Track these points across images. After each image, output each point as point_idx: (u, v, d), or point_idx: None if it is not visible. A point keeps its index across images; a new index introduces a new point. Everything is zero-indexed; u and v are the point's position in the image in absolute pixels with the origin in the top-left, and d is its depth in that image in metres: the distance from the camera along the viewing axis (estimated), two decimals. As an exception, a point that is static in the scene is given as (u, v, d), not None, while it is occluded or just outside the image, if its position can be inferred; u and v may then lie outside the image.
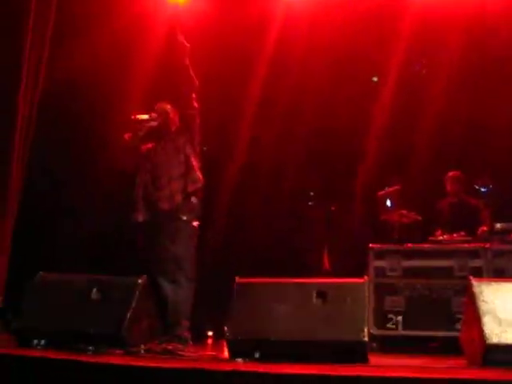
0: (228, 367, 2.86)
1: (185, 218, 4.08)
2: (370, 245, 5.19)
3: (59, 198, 6.39)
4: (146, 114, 4.24)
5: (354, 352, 3.24)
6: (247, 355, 3.22)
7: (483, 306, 3.26)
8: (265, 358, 3.16)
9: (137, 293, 3.78)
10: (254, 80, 6.58)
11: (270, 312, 3.34)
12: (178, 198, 4.09)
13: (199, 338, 3.85)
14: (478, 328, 3.25)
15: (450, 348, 4.13)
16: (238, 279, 3.62)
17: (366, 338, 3.25)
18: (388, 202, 5.63)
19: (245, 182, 6.73)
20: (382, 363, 3.55)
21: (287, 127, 6.91)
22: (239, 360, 3.20)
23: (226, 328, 3.46)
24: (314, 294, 3.32)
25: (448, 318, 4.90)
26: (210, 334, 5.71)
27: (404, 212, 5.50)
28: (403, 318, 5.06)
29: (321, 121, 6.86)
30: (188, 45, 4.30)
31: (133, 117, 4.23)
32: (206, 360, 3.47)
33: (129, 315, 3.64)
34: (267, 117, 6.79)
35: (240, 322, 3.41)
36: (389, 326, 5.07)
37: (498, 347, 3.17)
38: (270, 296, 3.41)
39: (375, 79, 7.60)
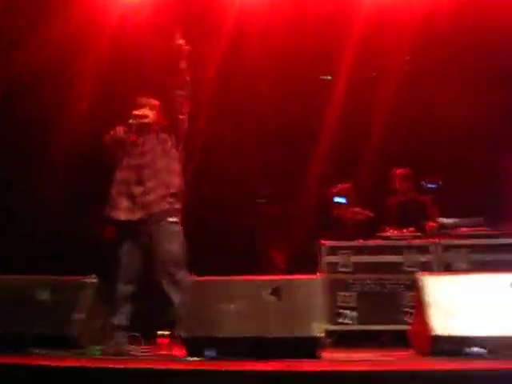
0: (183, 366, 2.86)
1: (175, 219, 4.10)
2: (322, 241, 5.27)
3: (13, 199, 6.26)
4: (141, 108, 4.22)
5: (308, 348, 3.29)
6: (202, 353, 3.23)
7: (429, 299, 3.37)
8: (220, 356, 3.18)
9: (87, 293, 3.74)
10: (205, 80, 6.57)
11: (224, 310, 3.36)
12: (168, 201, 4.10)
13: (154, 338, 3.82)
14: (425, 320, 3.36)
15: (401, 341, 4.25)
16: (193, 278, 3.63)
17: (320, 334, 3.30)
18: (339, 199, 5.73)
19: (199, 183, 6.73)
20: (335, 358, 3.61)
21: (240, 126, 6.94)
22: (194, 358, 3.20)
23: (180, 327, 3.47)
24: (268, 291, 3.35)
25: (398, 312, 5.03)
26: (165, 333, 5.67)
27: (357, 209, 5.60)
28: (355, 314, 5.15)
29: (273, 119, 6.93)
30: (187, 48, 4.23)
31: (133, 111, 4.21)
32: (162, 359, 3.46)
33: (79, 316, 3.59)
34: (219, 117, 6.80)
35: (195, 321, 3.42)
36: (342, 321, 5.15)
37: (444, 338, 3.28)
38: (223, 293, 3.43)
39: (327, 78, 7.71)
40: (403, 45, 6.68)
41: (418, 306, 3.59)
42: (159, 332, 3.74)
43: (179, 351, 3.47)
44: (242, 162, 7.02)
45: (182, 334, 3.39)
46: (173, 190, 4.15)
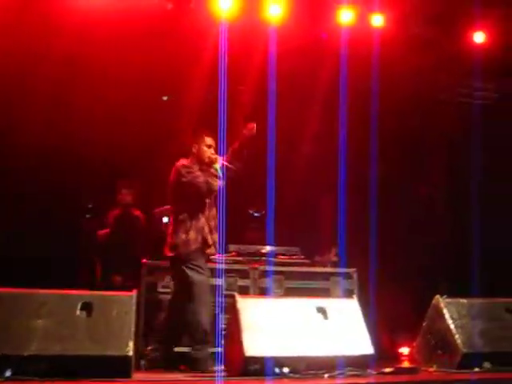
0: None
1: None
2: (143, 260, 5.19)
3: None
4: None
5: (120, 367, 3.18)
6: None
7: (245, 321, 3.46)
8: (18, 376, 2.93)
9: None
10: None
11: (30, 325, 3.12)
12: None
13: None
14: (239, 341, 3.44)
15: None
16: None
17: (131, 353, 3.22)
18: (165, 219, 5.70)
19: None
20: (146, 378, 3.54)
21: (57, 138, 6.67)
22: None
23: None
24: (79, 306, 3.19)
25: (215, 334, 5.09)
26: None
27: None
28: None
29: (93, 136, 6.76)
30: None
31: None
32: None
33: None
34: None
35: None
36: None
37: (256, 359, 3.38)
38: (30, 308, 3.19)
39: (165, 98, 7.74)
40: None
41: (232, 327, 3.66)
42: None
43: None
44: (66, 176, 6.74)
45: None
46: None
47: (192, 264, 4.42)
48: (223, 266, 5.38)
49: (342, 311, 3.57)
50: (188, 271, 4.39)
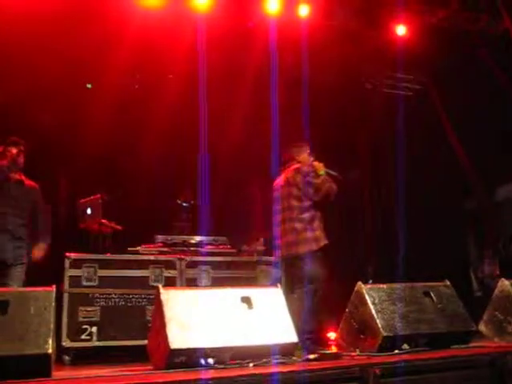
0: None
1: None
2: (67, 253, 5.04)
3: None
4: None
5: (39, 366, 3.07)
6: None
7: (169, 313, 3.42)
8: None
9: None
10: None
11: None
12: None
13: None
14: (163, 334, 3.39)
15: (143, 356, 4.23)
16: None
17: (50, 351, 3.11)
18: (89, 211, 5.56)
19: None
20: (67, 376, 3.44)
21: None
22: None
23: None
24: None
25: (142, 327, 5.02)
26: None
27: (104, 221, 5.49)
28: (98, 329, 5.02)
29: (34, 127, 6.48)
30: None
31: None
32: None
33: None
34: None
35: None
36: (83, 337, 4.96)
37: (181, 351, 3.35)
38: None
39: (89, 86, 7.53)
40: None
41: (157, 320, 3.61)
42: None
43: None
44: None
45: None
46: None
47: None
48: (150, 257, 5.32)
49: (267, 300, 3.60)
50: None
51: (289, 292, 4.67)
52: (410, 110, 8.50)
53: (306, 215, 4.86)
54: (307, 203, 4.87)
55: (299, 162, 5.02)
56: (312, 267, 4.76)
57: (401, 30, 7.82)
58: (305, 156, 5.06)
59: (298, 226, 4.83)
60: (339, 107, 8.38)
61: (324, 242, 4.88)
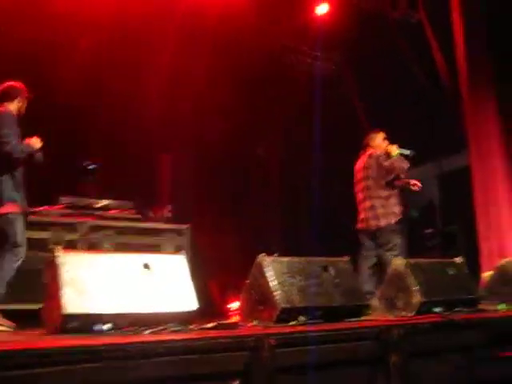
0: None
1: None
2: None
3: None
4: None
5: None
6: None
7: (64, 277, 3.31)
8: None
9: None
10: None
11: None
12: None
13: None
14: (58, 298, 3.28)
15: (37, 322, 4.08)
16: None
17: None
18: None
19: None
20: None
21: None
22: None
23: None
24: None
25: (39, 291, 4.83)
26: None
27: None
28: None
29: None
30: None
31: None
32: None
33: None
34: None
35: None
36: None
37: (76, 316, 3.26)
38: None
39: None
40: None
41: (52, 284, 3.49)
42: None
43: None
44: None
45: None
46: None
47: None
48: (50, 219, 5.12)
49: (169, 267, 3.57)
50: None
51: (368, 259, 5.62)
52: (326, 90, 8.65)
53: (383, 193, 5.67)
54: (382, 182, 5.68)
55: (373, 148, 5.81)
56: (389, 238, 5.59)
57: (322, 8, 7.90)
58: (379, 142, 5.83)
59: (376, 202, 5.67)
60: (254, 80, 8.38)
61: (399, 216, 5.68)
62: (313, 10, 7.97)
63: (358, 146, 6.06)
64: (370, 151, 5.84)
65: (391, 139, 5.99)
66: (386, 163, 5.66)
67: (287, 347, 2.93)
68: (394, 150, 5.71)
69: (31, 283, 4.93)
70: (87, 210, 5.39)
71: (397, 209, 5.73)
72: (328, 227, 8.05)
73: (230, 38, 7.30)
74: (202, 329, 3.36)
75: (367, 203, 5.76)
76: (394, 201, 5.73)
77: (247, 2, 7.33)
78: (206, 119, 7.84)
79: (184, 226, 5.60)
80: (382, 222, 5.65)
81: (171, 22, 7.17)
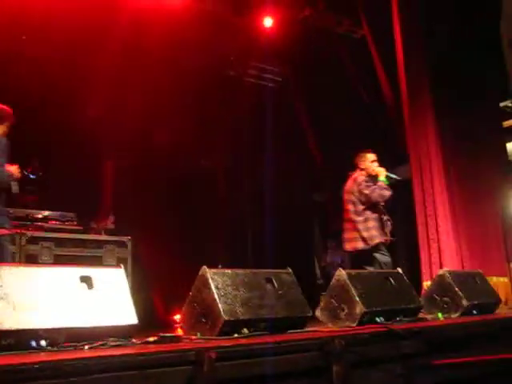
0: None
1: None
2: None
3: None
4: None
5: None
6: None
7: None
8: None
9: None
10: None
11: None
12: None
13: None
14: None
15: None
16: None
17: None
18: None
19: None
20: None
21: None
22: None
23: None
24: None
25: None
26: None
27: None
28: None
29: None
30: None
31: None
32: None
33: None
34: None
35: None
36: None
37: (10, 332, 3.13)
38: None
39: None
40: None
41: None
42: None
43: None
44: None
45: None
46: None
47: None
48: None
49: (108, 281, 3.47)
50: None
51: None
52: (272, 102, 8.73)
53: (359, 218, 5.75)
54: (361, 207, 5.75)
55: (362, 170, 5.89)
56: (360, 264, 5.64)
57: (268, 21, 7.98)
58: (368, 164, 5.88)
59: (349, 226, 5.80)
60: (200, 91, 8.37)
61: (375, 241, 5.74)
62: (259, 24, 8.03)
63: (304, 160, 6.13)
64: (355, 174, 5.93)
65: (336, 149, 6.11)
66: (367, 191, 5.76)
67: (229, 360, 2.91)
68: (382, 174, 5.83)
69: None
70: (26, 221, 5.21)
71: (370, 234, 5.78)
72: (272, 238, 8.10)
73: (177, 48, 7.27)
74: (143, 343, 3.29)
75: (344, 225, 5.93)
76: (370, 225, 5.80)
77: (193, 14, 7.32)
78: (151, 128, 7.75)
79: (126, 238, 5.50)
80: (348, 246, 5.88)
81: (117, 31, 7.08)
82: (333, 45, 8.57)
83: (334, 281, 4.45)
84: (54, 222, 5.33)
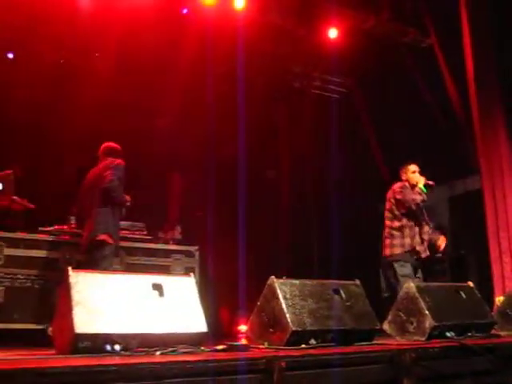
0: None
1: None
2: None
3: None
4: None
5: None
6: None
7: (76, 296, 3.31)
8: None
9: None
10: None
11: None
12: None
13: None
14: (69, 318, 3.28)
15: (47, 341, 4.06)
16: None
17: None
18: (0, 186, 5.29)
19: None
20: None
21: None
22: None
23: None
24: None
25: (48, 311, 4.84)
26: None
27: (16, 198, 5.25)
28: (0, 311, 4.81)
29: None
30: None
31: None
32: None
33: None
34: None
35: None
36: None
37: (87, 336, 3.25)
38: None
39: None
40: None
41: (63, 303, 3.49)
42: None
43: None
44: None
45: None
46: None
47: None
48: (60, 239, 5.13)
49: (178, 289, 3.56)
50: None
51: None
52: (336, 113, 8.70)
53: (396, 224, 5.83)
54: (396, 213, 5.86)
55: (404, 180, 6.04)
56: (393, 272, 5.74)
57: (333, 32, 7.98)
58: (410, 175, 6.02)
59: (386, 233, 5.89)
60: (265, 103, 8.45)
61: (408, 248, 5.78)
62: (324, 35, 8.03)
63: (369, 172, 6.07)
64: (396, 184, 6.02)
65: (403, 162, 6.06)
66: (399, 196, 5.84)
67: (298, 370, 2.91)
68: (421, 182, 5.90)
69: (40, 302, 4.94)
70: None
71: (407, 241, 5.80)
72: (338, 252, 8.04)
73: (243, 61, 7.37)
74: (212, 351, 3.33)
75: (384, 232, 5.98)
76: (406, 233, 5.82)
77: (258, 27, 7.42)
78: (217, 141, 7.88)
79: (194, 248, 5.60)
80: (387, 252, 5.88)
81: (184, 47, 7.26)
82: (398, 54, 8.47)
83: (402, 293, 4.37)
84: (124, 232, 5.49)
